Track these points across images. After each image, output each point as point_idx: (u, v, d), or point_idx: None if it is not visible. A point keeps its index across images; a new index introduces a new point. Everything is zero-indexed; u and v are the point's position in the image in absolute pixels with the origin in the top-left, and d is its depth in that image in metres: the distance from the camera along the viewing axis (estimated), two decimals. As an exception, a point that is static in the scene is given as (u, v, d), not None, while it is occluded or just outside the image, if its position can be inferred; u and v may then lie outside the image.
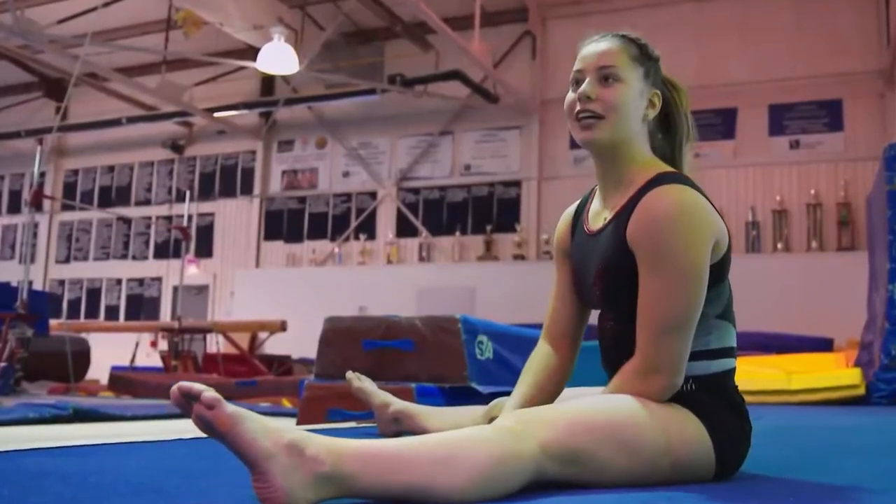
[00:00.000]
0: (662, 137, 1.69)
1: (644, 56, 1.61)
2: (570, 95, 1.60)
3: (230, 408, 1.12)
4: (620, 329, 1.57)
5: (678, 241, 1.44)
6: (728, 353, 1.57)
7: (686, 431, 1.44)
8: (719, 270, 1.52)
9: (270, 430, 1.13)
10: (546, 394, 1.70)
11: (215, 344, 8.93)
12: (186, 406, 1.12)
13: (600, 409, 1.39)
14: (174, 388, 1.12)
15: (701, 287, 1.46)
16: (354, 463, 1.15)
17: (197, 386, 1.11)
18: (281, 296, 11.37)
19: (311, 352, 4.20)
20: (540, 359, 1.75)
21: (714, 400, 1.52)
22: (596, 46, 1.60)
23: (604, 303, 1.63)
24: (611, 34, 1.62)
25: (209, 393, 1.11)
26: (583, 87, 1.57)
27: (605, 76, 1.56)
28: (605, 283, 1.57)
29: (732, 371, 1.59)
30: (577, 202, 1.80)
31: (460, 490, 1.19)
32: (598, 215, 1.65)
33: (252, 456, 1.11)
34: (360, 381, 2.41)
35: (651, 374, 1.46)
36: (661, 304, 1.45)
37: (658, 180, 1.53)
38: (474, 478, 1.20)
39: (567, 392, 1.99)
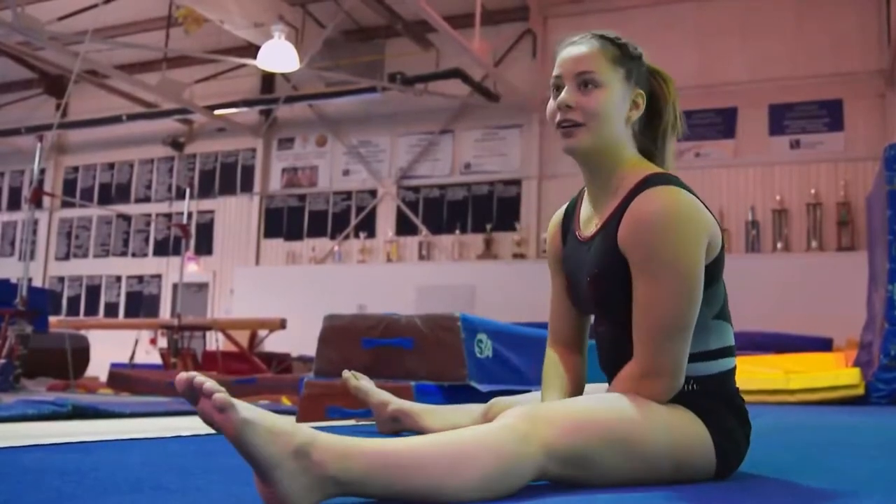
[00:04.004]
0: (646, 129, 1.63)
1: (625, 57, 1.55)
2: (551, 103, 1.56)
3: (240, 412, 1.09)
4: (616, 334, 1.56)
5: (671, 244, 1.42)
6: (727, 352, 1.57)
7: (689, 432, 1.45)
8: (714, 270, 1.50)
9: (279, 433, 1.11)
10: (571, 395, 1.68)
11: (215, 341, 8.93)
12: (192, 396, 1.09)
13: (605, 410, 1.38)
14: (184, 375, 1.08)
15: (697, 288, 1.44)
16: (360, 465, 1.14)
17: (208, 383, 1.08)
18: (280, 293, 11.37)
19: (310, 349, 4.20)
20: (552, 366, 1.72)
21: (715, 401, 1.52)
22: (573, 50, 1.55)
23: (598, 309, 1.61)
24: (589, 34, 1.56)
25: (221, 395, 1.07)
26: (562, 95, 1.53)
27: (584, 82, 1.52)
28: (599, 289, 1.54)
29: (733, 371, 1.59)
30: (566, 205, 1.76)
31: (466, 492, 1.20)
32: (589, 221, 1.62)
33: (257, 462, 1.10)
34: (358, 381, 2.39)
35: (652, 379, 1.45)
36: (657, 308, 1.43)
37: (647, 182, 1.50)
38: (479, 480, 1.20)
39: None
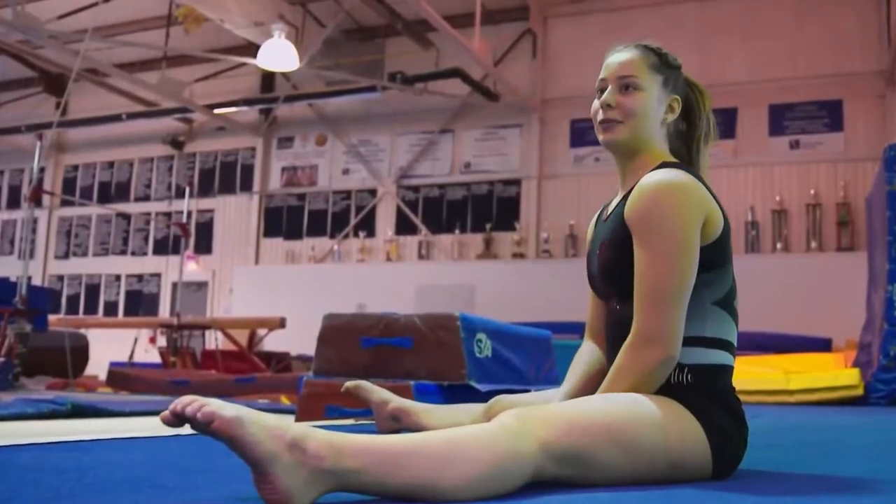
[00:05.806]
0: (682, 137, 1.79)
1: (663, 65, 1.71)
2: (595, 103, 1.72)
3: (228, 412, 1.11)
4: (623, 313, 1.61)
5: (663, 213, 1.52)
6: (725, 346, 1.58)
7: (684, 430, 1.45)
8: (715, 252, 1.57)
9: (271, 428, 1.13)
10: (594, 385, 1.74)
11: (214, 340, 8.92)
12: (184, 422, 1.12)
13: (599, 409, 1.40)
14: (165, 414, 1.11)
15: (687, 257, 1.51)
16: (355, 458, 1.15)
17: (189, 408, 1.10)
18: (280, 293, 11.37)
19: (309, 349, 4.20)
20: (583, 354, 1.84)
21: (710, 399, 1.53)
22: (618, 57, 1.71)
23: (605, 282, 1.68)
24: (633, 45, 1.72)
25: (202, 412, 1.10)
26: (604, 95, 1.69)
27: (626, 85, 1.67)
28: (606, 258, 1.64)
29: (729, 370, 1.59)
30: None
31: (461, 488, 1.20)
32: (614, 204, 1.76)
33: (255, 459, 1.11)
34: (357, 382, 2.41)
35: (646, 347, 1.50)
36: (649, 274, 1.52)
37: (660, 167, 1.64)
38: (474, 476, 1.20)
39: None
